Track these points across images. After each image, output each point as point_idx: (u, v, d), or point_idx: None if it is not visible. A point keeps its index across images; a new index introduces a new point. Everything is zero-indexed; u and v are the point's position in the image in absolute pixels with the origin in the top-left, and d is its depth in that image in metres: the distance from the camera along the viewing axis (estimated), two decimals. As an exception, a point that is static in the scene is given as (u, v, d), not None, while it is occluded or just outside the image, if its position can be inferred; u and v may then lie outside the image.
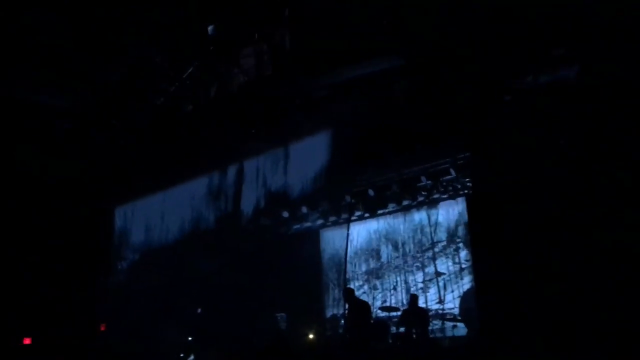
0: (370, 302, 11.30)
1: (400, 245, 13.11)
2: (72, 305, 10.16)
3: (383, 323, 10.40)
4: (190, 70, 10.19)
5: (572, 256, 8.07)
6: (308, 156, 11.54)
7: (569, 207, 8.26)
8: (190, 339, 10.87)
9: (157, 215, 12.81)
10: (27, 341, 9.86)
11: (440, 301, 12.15)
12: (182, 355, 10.64)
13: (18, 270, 9.63)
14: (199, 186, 12.47)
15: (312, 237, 13.91)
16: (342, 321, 11.90)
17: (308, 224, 13.63)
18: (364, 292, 13.01)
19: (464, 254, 12.08)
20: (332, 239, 13.70)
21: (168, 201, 12.73)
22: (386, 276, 13.15)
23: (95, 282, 11.18)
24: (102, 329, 11.55)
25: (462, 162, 11.38)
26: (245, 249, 12.67)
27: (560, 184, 8.60)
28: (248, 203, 12.48)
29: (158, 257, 12.80)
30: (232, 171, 12.20)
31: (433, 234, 12.57)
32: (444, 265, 12.39)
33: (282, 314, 11.35)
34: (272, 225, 13.58)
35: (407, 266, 12.90)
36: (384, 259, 13.29)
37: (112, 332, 10.99)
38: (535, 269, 8.35)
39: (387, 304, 12.60)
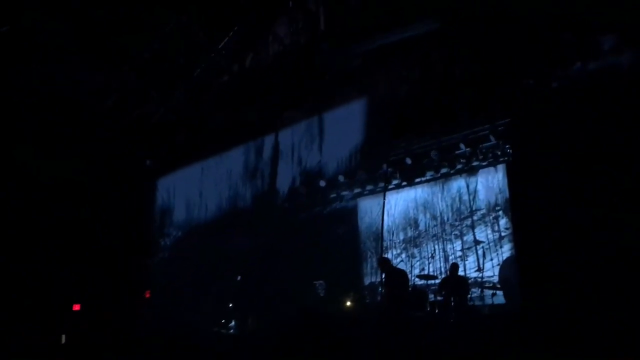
0: (408, 271, 11.32)
1: (438, 213, 13.02)
2: (119, 274, 10.48)
3: (421, 291, 10.40)
4: (225, 41, 10.19)
5: (615, 222, 7.89)
6: (344, 126, 11.50)
7: (610, 176, 8.06)
8: (230, 305, 11.13)
9: (196, 194, 13.06)
10: (76, 307, 10.24)
11: (479, 269, 12.08)
12: (223, 321, 10.92)
13: (69, 240, 9.95)
14: (235, 162, 12.62)
15: (350, 206, 13.93)
16: (380, 289, 12.00)
17: (345, 193, 13.65)
18: (402, 261, 13.03)
19: (503, 222, 11.92)
20: (369, 208, 13.68)
21: (206, 179, 12.93)
22: (424, 245, 13.12)
23: (142, 252, 11.50)
24: (147, 295, 11.94)
25: (502, 128, 11.15)
26: (284, 224, 12.84)
27: (604, 151, 8.37)
28: (285, 176, 12.59)
29: (197, 235, 13.09)
30: (268, 145, 12.26)
31: (472, 202, 12.42)
32: (483, 233, 12.26)
33: (321, 281, 11.47)
34: (308, 202, 13.68)
35: (445, 234, 12.82)
36: (421, 227, 13.24)
37: (157, 300, 11.33)
38: (576, 237, 8.20)
39: (425, 272, 12.61)
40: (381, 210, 11.71)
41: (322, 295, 11.22)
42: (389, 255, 12.77)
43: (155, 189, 12.74)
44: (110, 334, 9.75)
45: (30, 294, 9.19)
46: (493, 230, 12.10)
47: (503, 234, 11.93)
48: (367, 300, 10.92)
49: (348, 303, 10.28)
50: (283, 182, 12.76)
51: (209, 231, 12.97)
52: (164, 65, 10.17)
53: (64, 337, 9.60)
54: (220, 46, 10.32)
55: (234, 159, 12.62)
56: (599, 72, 7.96)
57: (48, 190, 9.59)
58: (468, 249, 12.42)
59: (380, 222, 11.74)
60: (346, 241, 13.51)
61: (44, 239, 9.60)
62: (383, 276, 9.68)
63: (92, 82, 9.26)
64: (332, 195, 13.49)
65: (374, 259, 13.16)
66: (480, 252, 12.22)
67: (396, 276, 9.44)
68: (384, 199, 11.56)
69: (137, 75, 9.89)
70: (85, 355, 9.29)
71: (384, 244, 12.45)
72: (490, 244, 12.09)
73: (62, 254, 9.86)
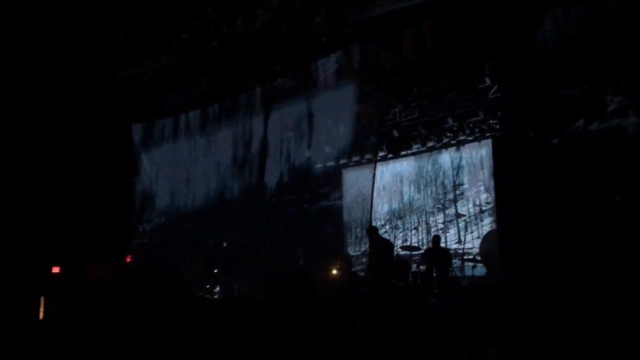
0: (392, 242, 11.45)
1: (422, 186, 13.15)
2: (101, 237, 10.38)
3: (404, 261, 10.57)
4: (215, 4, 10.01)
5: (598, 201, 8.08)
6: (333, 96, 11.46)
7: (599, 158, 8.23)
8: (215, 271, 11.17)
9: (183, 183, 12.99)
10: (55, 269, 10.15)
11: (460, 241, 12.29)
12: (208, 286, 10.97)
13: (43, 201, 9.79)
14: (224, 153, 12.60)
15: (336, 176, 14.01)
16: (364, 259, 12.15)
17: (331, 164, 13.67)
18: (386, 232, 13.14)
19: (484, 197, 12.11)
20: (355, 178, 13.75)
21: (193, 169, 12.89)
22: (407, 217, 13.27)
23: (125, 220, 11.41)
24: (128, 259, 11.90)
25: (491, 103, 11.25)
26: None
27: (593, 133, 8.54)
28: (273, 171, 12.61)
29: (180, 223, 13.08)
30: (258, 119, 12.18)
31: (455, 177, 12.56)
32: (465, 207, 12.44)
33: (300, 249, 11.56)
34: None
35: (428, 207, 12.97)
36: (406, 200, 13.37)
37: (142, 265, 11.31)
38: (560, 213, 8.38)
39: (408, 243, 12.79)
40: (369, 181, 11.80)
41: (303, 262, 11.31)
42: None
43: (140, 157, 12.64)
44: (93, 297, 9.70)
45: (8, 255, 9.08)
46: (474, 205, 12.29)
47: (484, 208, 12.12)
48: (352, 270, 11.05)
49: (333, 272, 10.39)
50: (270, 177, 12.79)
51: (193, 221, 12.99)
52: (152, 26, 9.98)
53: (42, 300, 9.53)
54: (209, 10, 10.15)
55: (223, 148, 12.58)
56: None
57: (28, 146, 9.41)
58: (450, 221, 12.61)
59: (369, 193, 11.82)
60: (331, 211, 13.64)
61: (21, 199, 9.45)
62: (368, 245, 9.79)
63: (78, 41, 9.03)
64: (319, 166, 13.48)
65: (359, 230, 13.29)
66: (461, 225, 12.41)
67: (382, 246, 9.56)
68: (374, 169, 11.64)
69: (125, 36, 9.66)
70: (67, 320, 9.23)
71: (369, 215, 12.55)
72: (471, 218, 12.28)
73: (41, 214, 9.73)
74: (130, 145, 11.97)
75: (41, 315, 8.77)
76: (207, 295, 10.80)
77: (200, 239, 12.88)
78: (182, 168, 13.00)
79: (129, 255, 11.94)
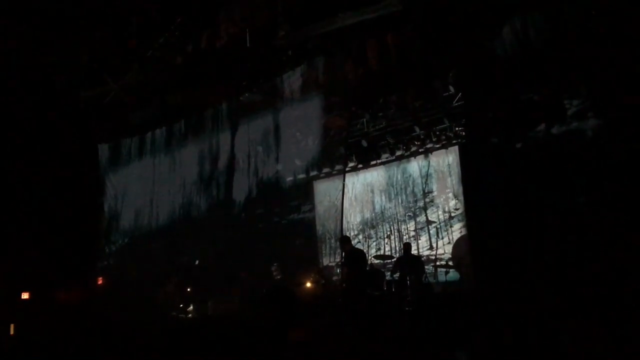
0: (365, 251, 11.49)
1: (393, 195, 13.27)
2: (70, 261, 10.18)
3: (378, 271, 10.60)
4: (179, 20, 9.95)
5: (563, 204, 8.27)
6: (300, 109, 11.48)
7: (562, 160, 8.43)
8: (189, 290, 11.03)
9: (147, 201, 12.84)
10: (25, 295, 9.92)
11: (431, 248, 12.43)
12: (181, 305, 10.82)
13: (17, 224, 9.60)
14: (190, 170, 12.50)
15: (306, 188, 14.04)
16: (338, 270, 12.15)
17: (302, 176, 13.69)
18: (359, 242, 13.22)
19: (452, 203, 12.30)
20: (327, 190, 13.80)
21: (159, 187, 12.75)
22: (380, 226, 13.37)
23: (93, 242, 11.23)
24: (100, 282, 11.68)
25: (456, 111, 11.45)
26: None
27: (554, 136, 8.74)
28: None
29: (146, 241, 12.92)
30: (225, 135, 12.11)
31: (424, 185, 12.72)
32: (435, 214, 12.60)
33: (275, 264, 11.53)
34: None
35: (400, 216, 13.09)
36: (377, 209, 13.47)
37: (112, 286, 11.11)
38: (527, 215, 8.54)
39: (381, 252, 12.86)
40: (339, 192, 11.83)
41: (278, 277, 11.26)
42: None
43: (107, 177, 12.44)
44: (62, 322, 9.49)
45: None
46: (444, 211, 12.46)
47: (453, 214, 12.29)
48: (325, 282, 11.04)
49: (307, 284, 10.36)
50: (239, 192, 12.72)
51: (159, 238, 12.82)
52: (116, 45, 9.86)
53: (12, 327, 9.30)
54: (173, 26, 10.08)
55: (190, 165, 12.47)
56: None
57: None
58: (421, 229, 12.75)
59: (340, 204, 11.85)
60: (304, 224, 13.64)
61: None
62: (342, 255, 9.79)
63: (43, 61, 8.88)
64: (289, 179, 13.48)
65: (333, 241, 13.31)
66: (432, 231, 12.55)
67: (356, 256, 9.57)
68: (344, 180, 11.69)
69: (89, 55, 9.54)
70: (37, 345, 9.00)
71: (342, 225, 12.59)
72: (442, 224, 12.44)
73: (11, 239, 9.53)
74: (97, 166, 11.79)
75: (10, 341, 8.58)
76: (181, 315, 10.64)
77: (171, 257, 12.71)
78: (148, 187, 12.82)
79: (100, 278, 11.75)
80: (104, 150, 12.06)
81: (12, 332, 9.29)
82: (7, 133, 9.09)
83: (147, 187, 12.74)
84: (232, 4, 9.81)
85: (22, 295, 9.86)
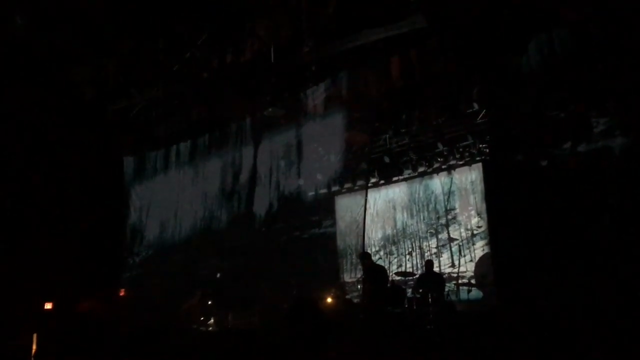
0: (386, 267, 11.42)
1: (415, 212, 13.20)
2: (94, 272, 10.28)
3: (399, 287, 10.50)
4: (204, 37, 10.11)
5: (589, 223, 8.13)
6: (323, 124, 11.53)
7: (588, 178, 8.32)
8: (210, 302, 11.05)
9: (170, 214, 12.98)
10: (48, 306, 10.02)
11: (453, 265, 12.30)
12: (202, 318, 10.84)
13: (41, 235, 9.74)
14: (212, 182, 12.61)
15: (328, 203, 14.03)
16: (359, 286, 12.09)
17: (323, 191, 13.70)
18: (380, 258, 13.15)
19: (475, 220, 12.18)
20: (349, 205, 13.78)
21: (182, 200, 12.90)
22: (402, 242, 13.29)
23: (117, 254, 11.34)
24: (122, 294, 11.75)
25: (480, 128, 11.38)
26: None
27: (581, 154, 8.64)
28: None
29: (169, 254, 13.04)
30: (248, 149, 12.22)
31: (446, 202, 12.64)
32: (457, 231, 12.49)
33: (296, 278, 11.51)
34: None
35: (422, 232, 13.00)
36: (399, 225, 13.40)
37: (135, 299, 11.19)
38: (551, 234, 8.42)
39: (403, 269, 12.76)
40: (362, 208, 11.81)
41: (298, 292, 11.23)
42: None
43: (132, 189, 12.62)
44: (84, 332, 9.55)
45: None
46: (466, 229, 12.34)
47: (475, 232, 12.17)
48: (347, 297, 10.98)
49: (328, 300, 10.31)
50: (260, 206, 12.79)
51: (181, 251, 12.93)
52: (144, 59, 10.05)
53: (35, 337, 9.39)
54: (199, 42, 10.24)
55: (213, 179, 12.60)
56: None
57: (23, 182, 9.39)
58: (443, 246, 12.64)
59: (362, 220, 11.83)
60: (326, 239, 13.63)
61: (16, 234, 9.39)
62: (363, 271, 9.75)
63: (73, 74, 9.09)
64: (311, 194, 13.50)
65: (354, 256, 13.26)
66: (455, 249, 12.44)
67: (376, 272, 9.52)
68: (366, 196, 11.66)
69: (117, 69, 9.73)
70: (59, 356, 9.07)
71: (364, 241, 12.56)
72: (464, 241, 12.32)
73: (35, 249, 9.66)
74: (122, 179, 11.96)
75: (33, 352, 8.64)
76: (202, 328, 10.66)
77: (192, 270, 12.79)
78: (172, 199, 12.98)
79: (122, 289, 11.83)
80: (129, 162, 12.24)
81: (34, 342, 9.37)
82: (35, 145, 9.27)
83: (170, 200, 12.90)
84: (257, 20, 9.95)
85: (45, 306, 9.96)
